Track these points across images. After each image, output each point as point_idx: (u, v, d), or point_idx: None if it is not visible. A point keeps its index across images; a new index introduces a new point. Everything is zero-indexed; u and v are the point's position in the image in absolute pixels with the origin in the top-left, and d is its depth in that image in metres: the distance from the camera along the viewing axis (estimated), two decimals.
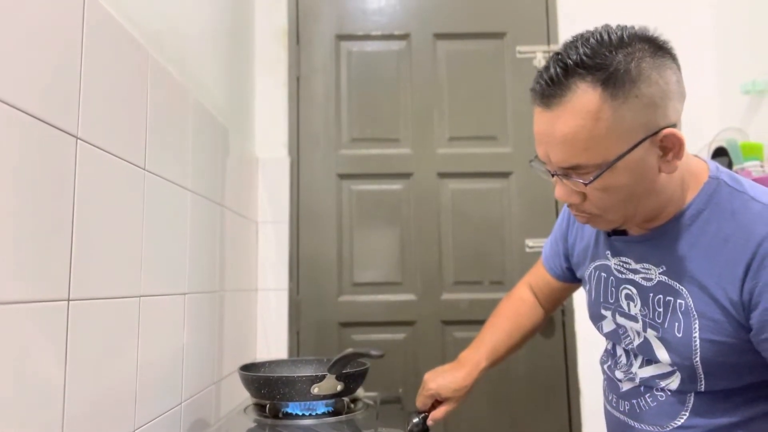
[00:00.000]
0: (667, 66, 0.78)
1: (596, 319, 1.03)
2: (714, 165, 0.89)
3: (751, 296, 0.78)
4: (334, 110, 2.06)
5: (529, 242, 2.00)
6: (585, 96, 0.76)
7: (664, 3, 2.08)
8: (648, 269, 0.90)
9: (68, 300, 0.76)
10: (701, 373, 0.84)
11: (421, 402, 1.16)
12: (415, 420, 1.14)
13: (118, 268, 0.90)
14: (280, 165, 2.01)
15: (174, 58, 1.18)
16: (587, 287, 1.05)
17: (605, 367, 1.03)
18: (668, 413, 0.89)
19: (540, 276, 1.21)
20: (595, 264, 1.01)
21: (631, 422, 0.94)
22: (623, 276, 0.94)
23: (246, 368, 1.34)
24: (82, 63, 0.81)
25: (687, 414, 0.87)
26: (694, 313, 0.84)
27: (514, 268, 1.99)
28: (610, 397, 1.01)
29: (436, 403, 1.16)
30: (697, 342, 0.83)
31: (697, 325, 0.83)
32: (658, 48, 0.78)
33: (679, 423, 0.88)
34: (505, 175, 2.04)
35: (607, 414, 1.03)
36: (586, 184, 0.81)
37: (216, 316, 1.44)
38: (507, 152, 2.05)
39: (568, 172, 0.82)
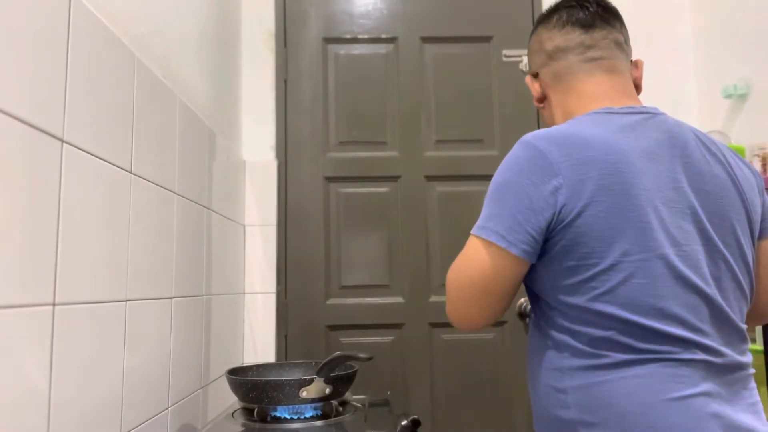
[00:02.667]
0: (535, 33, 1.06)
1: None
2: (593, 111, 0.93)
3: None
4: (321, 113, 2.06)
5: None
6: None
7: (646, 10, 2.11)
8: None
9: (53, 304, 0.76)
10: None
11: None
12: (404, 423, 1.14)
13: (104, 272, 0.90)
14: (268, 168, 2.01)
15: (160, 61, 1.18)
16: None
17: None
18: None
19: None
20: None
21: None
22: None
23: (233, 372, 1.34)
24: (68, 65, 0.80)
25: None
26: None
27: None
28: None
29: None
30: None
31: None
32: (538, 21, 1.06)
33: None
34: (491, 177, 2.05)
35: None
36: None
37: (203, 320, 1.43)
38: (494, 155, 2.06)
39: None
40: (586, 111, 0.95)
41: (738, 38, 1.89)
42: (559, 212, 0.82)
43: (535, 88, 1.06)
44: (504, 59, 2.09)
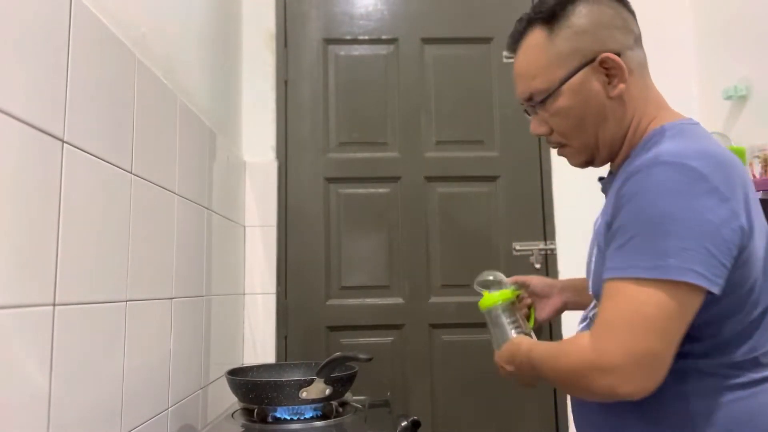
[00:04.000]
0: (603, 3, 0.87)
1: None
2: (684, 120, 0.87)
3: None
4: (321, 114, 2.06)
5: (517, 245, 2.02)
6: (532, 35, 0.90)
7: (646, 11, 2.10)
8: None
9: (54, 305, 0.76)
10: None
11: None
12: (404, 424, 1.14)
13: (104, 273, 0.90)
14: (268, 169, 2.01)
15: (161, 62, 1.18)
16: None
17: None
18: None
19: None
20: None
21: None
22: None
23: (233, 373, 1.34)
24: (69, 66, 0.80)
25: None
26: (595, 244, 0.87)
27: (501, 271, 1.99)
28: None
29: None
30: (591, 272, 0.87)
31: (593, 256, 0.87)
32: None
33: None
34: (492, 179, 2.05)
35: None
36: (537, 103, 0.89)
37: (203, 321, 1.43)
38: (494, 156, 2.06)
39: (530, 103, 0.92)
40: (672, 119, 0.86)
41: (738, 40, 1.89)
42: (747, 238, 0.75)
43: (623, 68, 0.85)
44: (504, 60, 2.09)
